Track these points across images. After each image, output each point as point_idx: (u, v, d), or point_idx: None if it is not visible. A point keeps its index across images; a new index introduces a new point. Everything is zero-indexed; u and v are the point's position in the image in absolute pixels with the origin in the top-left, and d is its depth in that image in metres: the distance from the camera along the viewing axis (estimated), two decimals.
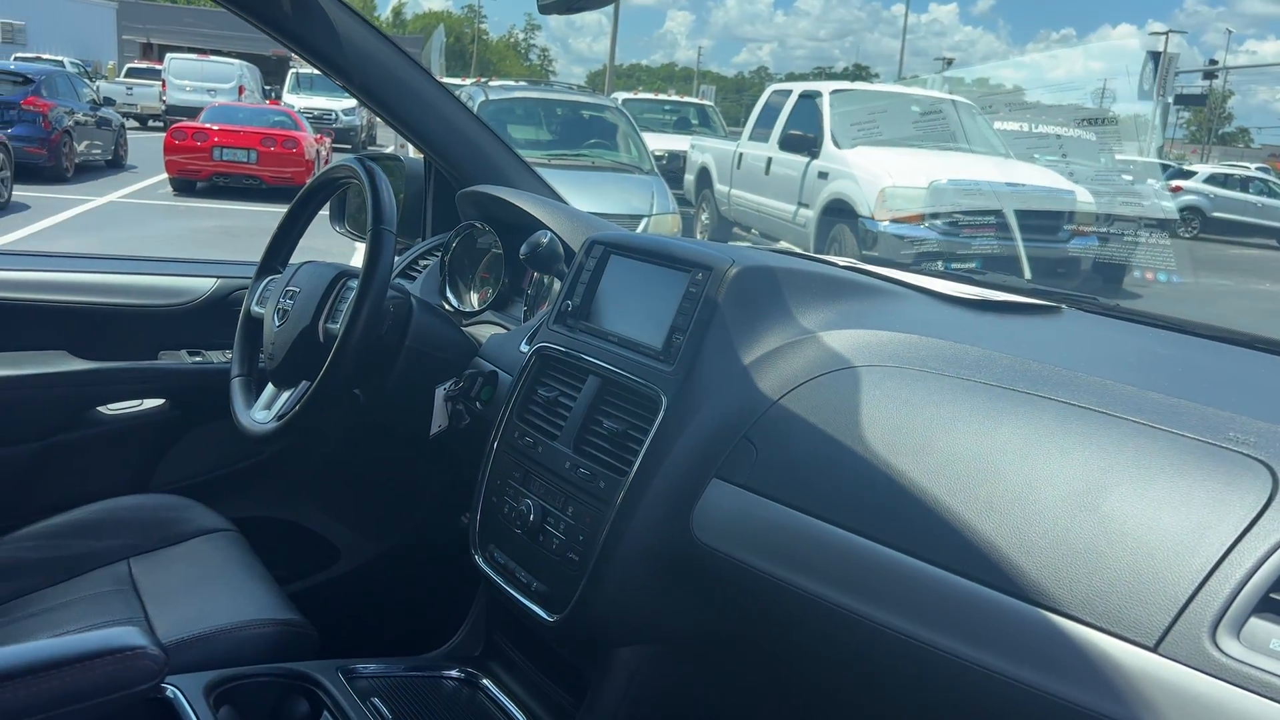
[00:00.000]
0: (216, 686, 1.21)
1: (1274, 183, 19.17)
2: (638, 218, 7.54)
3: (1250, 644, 0.75)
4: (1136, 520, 0.84)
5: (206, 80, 21.54)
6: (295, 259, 1.76)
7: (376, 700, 1.28)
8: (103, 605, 1.42)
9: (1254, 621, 0.75)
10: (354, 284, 1.50)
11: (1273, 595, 0.76)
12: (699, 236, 10.72)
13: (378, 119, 2.01)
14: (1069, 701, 0.81)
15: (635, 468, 1.16)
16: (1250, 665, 0.73)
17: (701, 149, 11.45)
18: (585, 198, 7.17)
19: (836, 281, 1.29)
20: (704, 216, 10.98)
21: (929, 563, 0.93)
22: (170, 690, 1.17)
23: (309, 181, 1.75)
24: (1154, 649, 0.78)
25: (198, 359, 2.01)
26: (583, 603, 1.18)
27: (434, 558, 1.87)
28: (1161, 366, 1.15)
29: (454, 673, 1.43)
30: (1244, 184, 18.70)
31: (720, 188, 10.56)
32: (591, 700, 1.24)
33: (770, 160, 9.35)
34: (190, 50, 25.85)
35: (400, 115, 1.87)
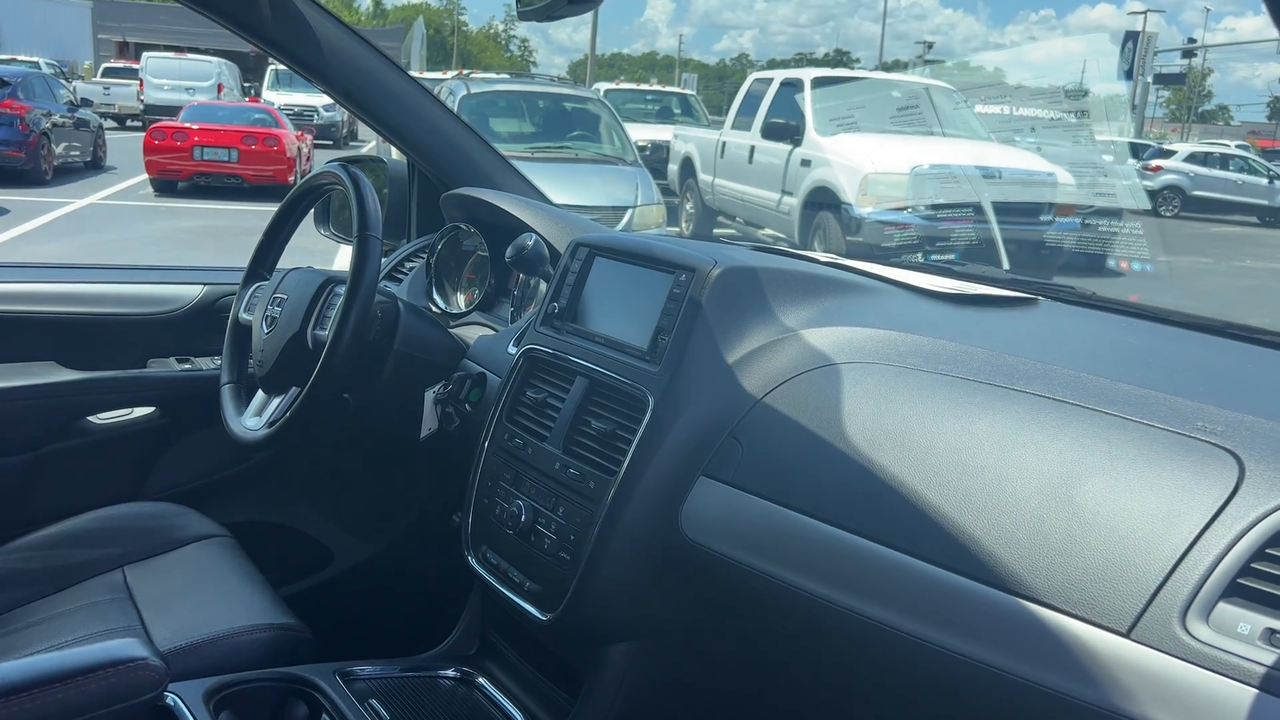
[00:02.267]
0: (216, 693, 1.23)
1: (1253, 160, 19.29)
2: (622, 209, 7.54)
3: (1219, 628, 0.77)
4: (1109, 510, 0.87)
5: (185, 79, 21.35)
6: (282, 263, 1.78)
7: (374, 701, 1.30)
8: (99, 615, 1.43)
9: (1222, 606, 0.78)
10: (341, 290, 1.52)
11: (1240, 580, 0.79)
12: (684, 226, 10.72)
13: None
14: (1045, 687, 0.84)
15: (624, 467, 1.18)
16: (1219, 649, 0.76)
17: (685, 138, 11.45)
18: (569, 191, 7.20)
19: (817, 279, 1.31)
20: (689, 206, 10.99)
21: (910, 555, 0.95)
22: (170, 698, 1.19)
23: (293, 189, 1.76)
24: (1127, 635, 0.81)
25: (187, 366, 2.02)
26: (575, 601, 1.20)
27: (428, 558, 1.88)
28: (1133, 357, 1.18)
29: (450, 672, 1.45)
30: (1224, 161, 18.82)
31: (704, 177, 10.57)
32: (586, 696, 1.26)
33: (753, 149, 9.37)
34: (167, 48, 25.61)
35: (381, 118, 1.88)
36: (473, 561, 1.38)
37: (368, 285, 1.45)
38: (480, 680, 1.44)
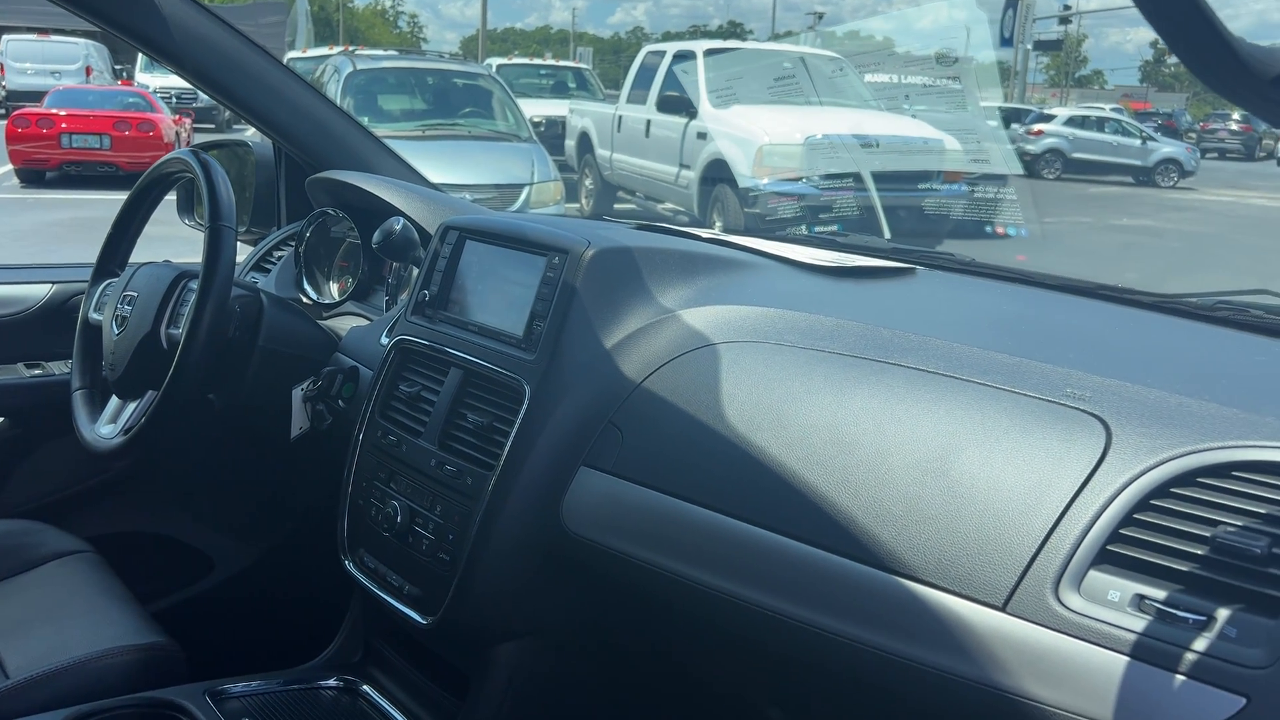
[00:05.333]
0: None
1: (1127, 122, 20.15)
2: (519, 187, 7.43)
3: (1090, 596, 0.77)
4: (983, 483, 0.86)
5: (49, 62, 20.12)
6: (135, 257, 1.66)
7: None
8: None
9: (1093, 574, 0.78)
10: (195, 285, 1.42)
11: (1109, 548, 0.79)
12: (584, 203, 10.64)
13: None
14: (925, 665, 0.83)
15: (502, 461, 1.14)
16: (1090, 617, 0.76)
17: (581, 113, 11.33)
18: (462, 169, 7.05)
19: (695, 258, 1.28)
20: (588, 182, 10.90)
21: (789, 537, 0.93)
22: None
23: (140, 178, 1.64)
24: (1002, 608, 0.80)
25: (37, 372, 1.88)
26: (456, 604, 1.15)
27: (311, 563, 1.81)
28: (1007, 324, 1.18)
29: (332, 682, 1.39)
30: (1100, 124, 19.60)
31: (602, 152, 10.49)
32: (473, 700, 1.22)
33: (649, 122, 9.32)
34: (29, 30, 24.09)
35: (238, 98, 1.77)
36: (350, 566, 1.32)
37: (222, 279, 1.37)
38: (365, 688, 1.38)
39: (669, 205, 9.00)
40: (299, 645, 1.53)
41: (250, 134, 2.39)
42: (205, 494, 1.98)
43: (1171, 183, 18.19)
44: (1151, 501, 0.79)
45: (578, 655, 1.23)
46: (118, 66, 23.68)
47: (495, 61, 14.76)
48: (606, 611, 1.16)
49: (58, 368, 1.89)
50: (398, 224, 1.45)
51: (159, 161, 1.61)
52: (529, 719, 1.22)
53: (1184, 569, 0.75)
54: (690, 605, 1.01)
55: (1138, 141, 18.92)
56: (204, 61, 1.71)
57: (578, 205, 10.35)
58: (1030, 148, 18.32)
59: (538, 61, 15.98)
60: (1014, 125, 19.27)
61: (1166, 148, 19.10)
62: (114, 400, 1.56)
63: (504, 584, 1.15)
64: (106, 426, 1.53)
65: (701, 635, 1.06)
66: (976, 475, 0.86)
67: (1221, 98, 0.51)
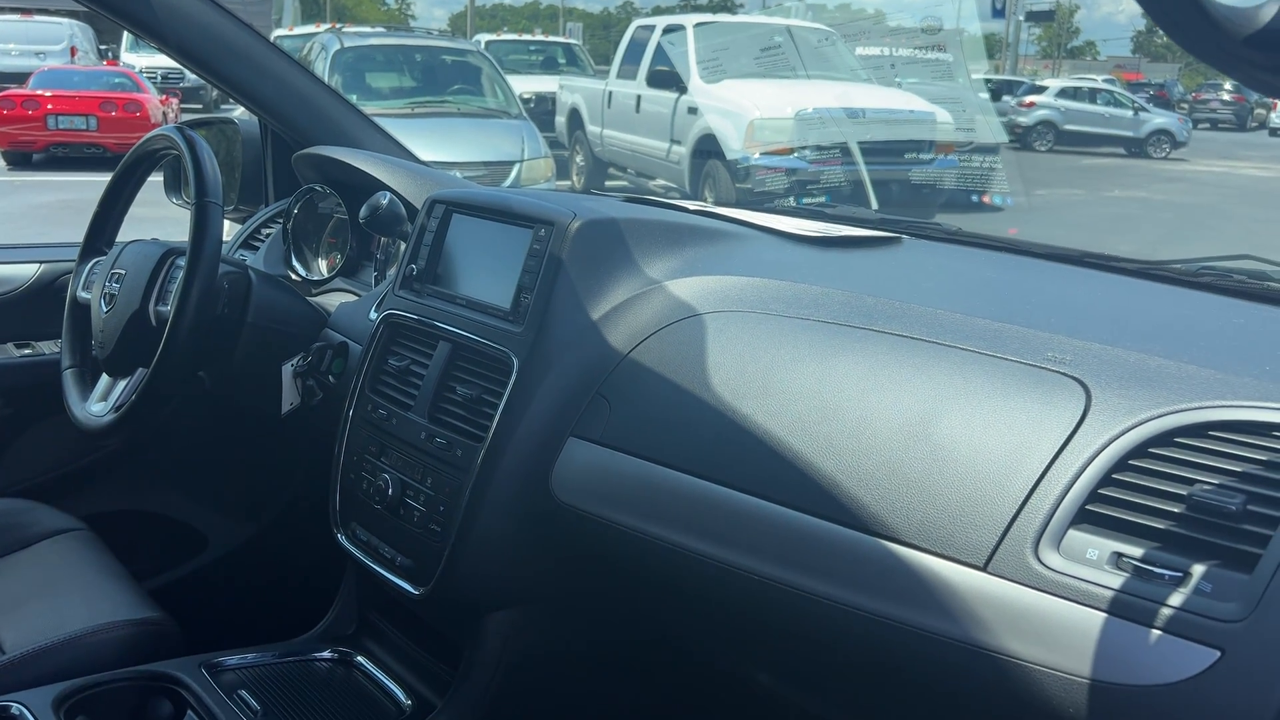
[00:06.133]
0: (67, 698, 1.15)
1: (1119, 93, 20.08)
2: (509, 164, 7.39)
3: (1069, 555, 0.79)
4: (964, 446, 0.87)
5: (33, 43, 19.84)
6: (124, 235, 1.66)
7: (243, 692, 1.25)
8: None
9: (1072, 533, 0.79)
10: (183, 262, 1.42)
11: (1089, 507, 0.80)
12: (575, 179, 10.59)
13: None
14: (907, 625, 0.84)
15: (491, 433, 1.15)
16: (1070, 575, 0.77)
17: (571, 89, 11.25)
18: (452, 147, 7.00)
19: (680, 229, 1.28)
20: (579, 159, 10.85)
21: (774, 502, 0.94)
22: (16, 708, 1.11)
23: (126, 155, 1.64)
24: (983, 568, 0.81)
25: (26, 351, 1.88)
26: (447, 574, 1.16)
27: (306, 538, 1.82)
28: (990, 291, 1.19)
29: (326, 654, 1.40)
30: (1092, 96, 19.52)
31: (592, 128, 10.43)
32: (466, 668, 1.24)
33: (640, 98, 9.27)
34: (12, 10, 23.79)
35: (225, 76, 1.76)
36: (342, 539, 1.33)
37: (209, 255, 1.37)
38: (359, 659, 1.39)
39: (660, 182, 8.97)
40: (295, 620, 1.54)
41: (239, 113, 2.37)
42: (199, 471, 1.98)
43: (1163, 154, 18.15)
44: (1130, 461, 0.80)
45: (570, 623, 1.24)
46: (103, 46, 23.40)
47: (484, 38, 14.64)
48: (596, 579, 1.17)
49: (48, 347, 1.89)
50: (384, 199, 1.45)
51: (144, 139, 1.61)
52: (521, 687, 1.24)
53: (1161, 527, 0.76)
54: (678, 572, 1.02)
55: (1130, 113, 18.86)
56: (188, 38, 1.69)
57: (569, 182, 10.31)
58: (1022, 120, 18.26)
59: (527, 37, 15.87)
60: (1006, 97, 19.19)
61: (1158, 119, 19.05)
62: (104, 378, 1.56)
63: (495, 554, 1.16)
64: (97, 405, 1.53)
65: (689, 601, 1.08)
66: (958, 439, 0.87)
67: (1193, 57, 0.51)
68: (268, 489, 1.96)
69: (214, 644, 1.37)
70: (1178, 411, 0.80)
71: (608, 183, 10.08)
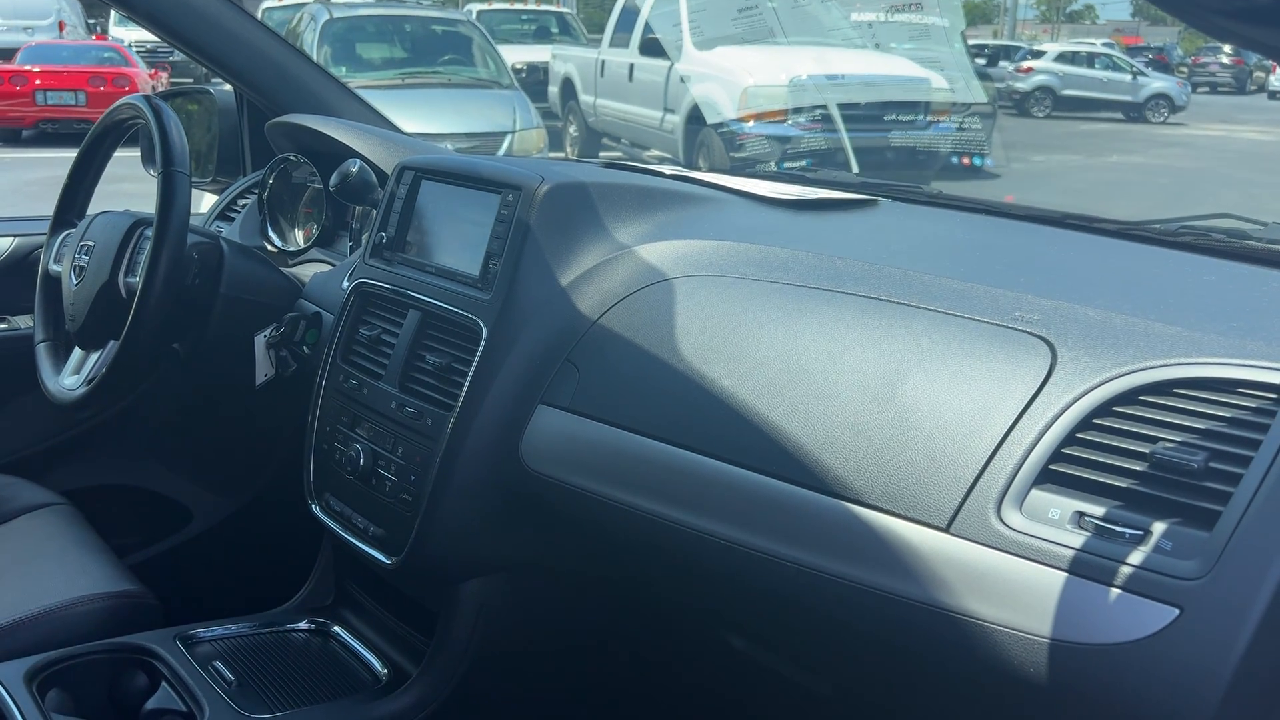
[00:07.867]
0: (40, 671, 1.15)
1: (1117, 57, 19.87)
2: (501, 134, 7.33)
3: (1032, 515, 0.78)
4: (930, 407, 0.86)
5: (20, 17, 19.59)
6: (94, 207, 1.64)
7: (218, 664, 1.24)
8: None
9: (1035, 493, 0.79)
10: (151, 233, 1.40)
11: (1051, 466, 0.79)
12: (568, 150, 10.52)
13: None
14: (870, 587, 0.84)
15: (460, 401, 1.14)
16: (1032, 535, 0.77)
17: (564, 59, 11.14)
18: (443, 118, 6.94)
19: (652, 192, 1.26)
20: (572, 129, 10.76)
21: (741, 466, 0.94)
22: None
23: (93, 126, 1.62)
24: (946, 529, 0.81)
25: (2, 326, 1.87)
26: (419, 543, 1.16)
27: (289, 511, 1.81)
28: (962, 252, 1.17)
29: (303, 625, 1.40)
30: (1090, 60, 19.33)
31: (585, 98, 10.33)
32: (441, 636, 1.24)
33: (633, 66, 9.18)
34: None
35: (194, 43, 1.74)
36: (316, 510, 1.33)
37: (177, 226, 1.35)
38: (336, 629, 1.39)
39: (655, 152, 8.90)
40: (276, 593, 1.54)
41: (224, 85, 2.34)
42: (178, 445, 1.97)
43: (1162, 118, 18.01)
44: (1094, 420, 0.79)
45: (541, 590, 1.24)
46: (91, 21, 23.14)
47: (475, 7, 14.45)
48: (568, 546, 1.17)
49: (23, 321, 1.88)
50: (354, 166, 1.43)
51: (110, 108, 1.58)
52: (496, 653, 1.24)
53: (1124, 485, 0.75)
54: (647, 537, 1.02)
55: (1128, 77, 18.69)
56: (157, 5, 1.67)
57: (563, 154, 10.23)
58: (1020, 85, 18.11)
59: (519, 6, 15.65)
60: (1003, 63, 19.03)
61: (1157, 83, 18.88)
62: (77, 351, 1.55)
63: (466, 522, 1.15)
64: (70, 378, 1.52)
65: (659, 566, 1.07)
66: (923, 400, 0.87)
67: (1168, 13, 0.50)
68: (250, 461, 1.95)
69: (196, 618, 1.36)
70: (1143, 369, 0.79)
71: (601, 153, 10.01)
